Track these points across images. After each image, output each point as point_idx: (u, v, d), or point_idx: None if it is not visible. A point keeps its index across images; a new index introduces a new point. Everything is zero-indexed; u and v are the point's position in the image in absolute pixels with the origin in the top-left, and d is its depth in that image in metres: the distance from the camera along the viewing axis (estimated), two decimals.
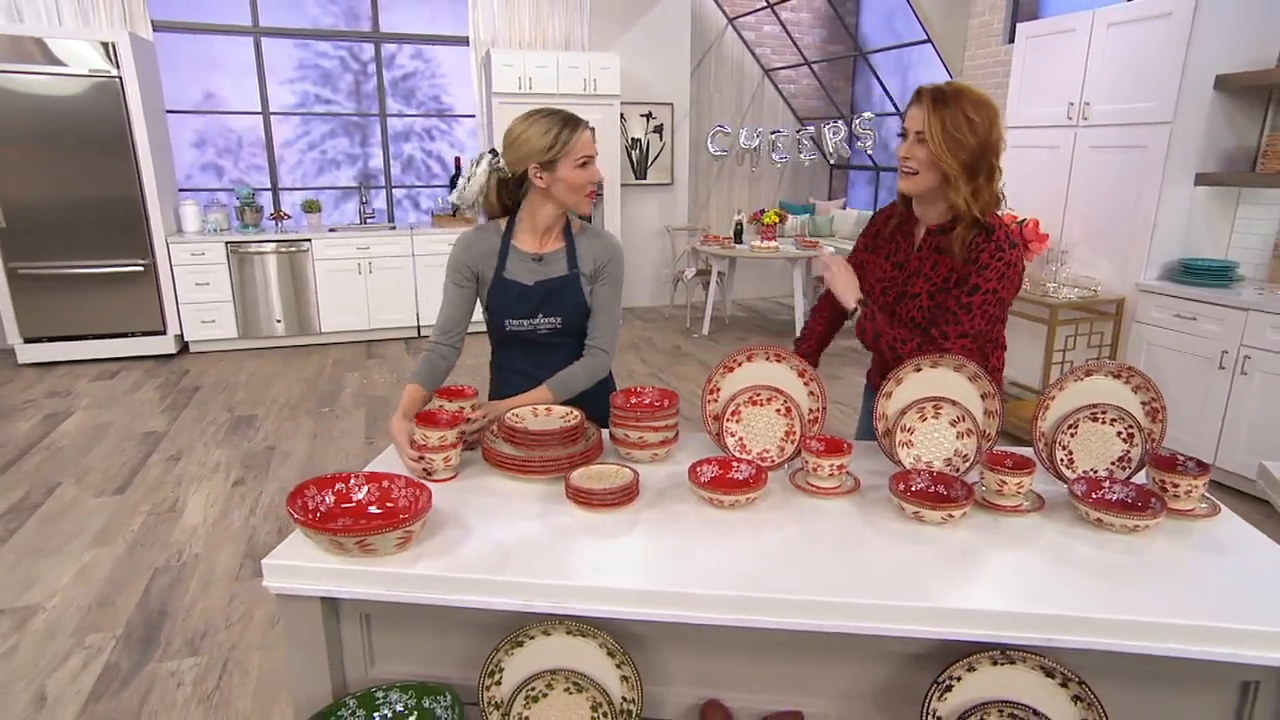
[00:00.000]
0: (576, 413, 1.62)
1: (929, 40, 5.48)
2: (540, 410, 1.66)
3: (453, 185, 6.37)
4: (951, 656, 1.17)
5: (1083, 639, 1.12)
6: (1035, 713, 1.12)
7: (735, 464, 1.50)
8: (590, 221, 1.93)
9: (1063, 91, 4.00)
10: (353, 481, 1.34)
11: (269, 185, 6.47)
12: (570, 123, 1.68)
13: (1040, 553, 1.29)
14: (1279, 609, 1.14)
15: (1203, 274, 3.53)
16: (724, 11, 7.42)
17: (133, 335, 5.57)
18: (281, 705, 2.19)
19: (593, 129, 1.74)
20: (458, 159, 6.43)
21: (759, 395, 1.58)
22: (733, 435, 1.59)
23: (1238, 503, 2.63)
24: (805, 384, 1.60)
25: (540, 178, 1.70)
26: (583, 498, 1.41)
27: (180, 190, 6.09)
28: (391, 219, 6.74)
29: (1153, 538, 1.32)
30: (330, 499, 1.33)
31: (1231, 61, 3.49)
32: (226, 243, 5.60)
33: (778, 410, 1.58)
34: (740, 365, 1.62)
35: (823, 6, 7.45)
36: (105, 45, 5.04)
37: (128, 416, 4.47)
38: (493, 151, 1.76)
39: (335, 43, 6.42)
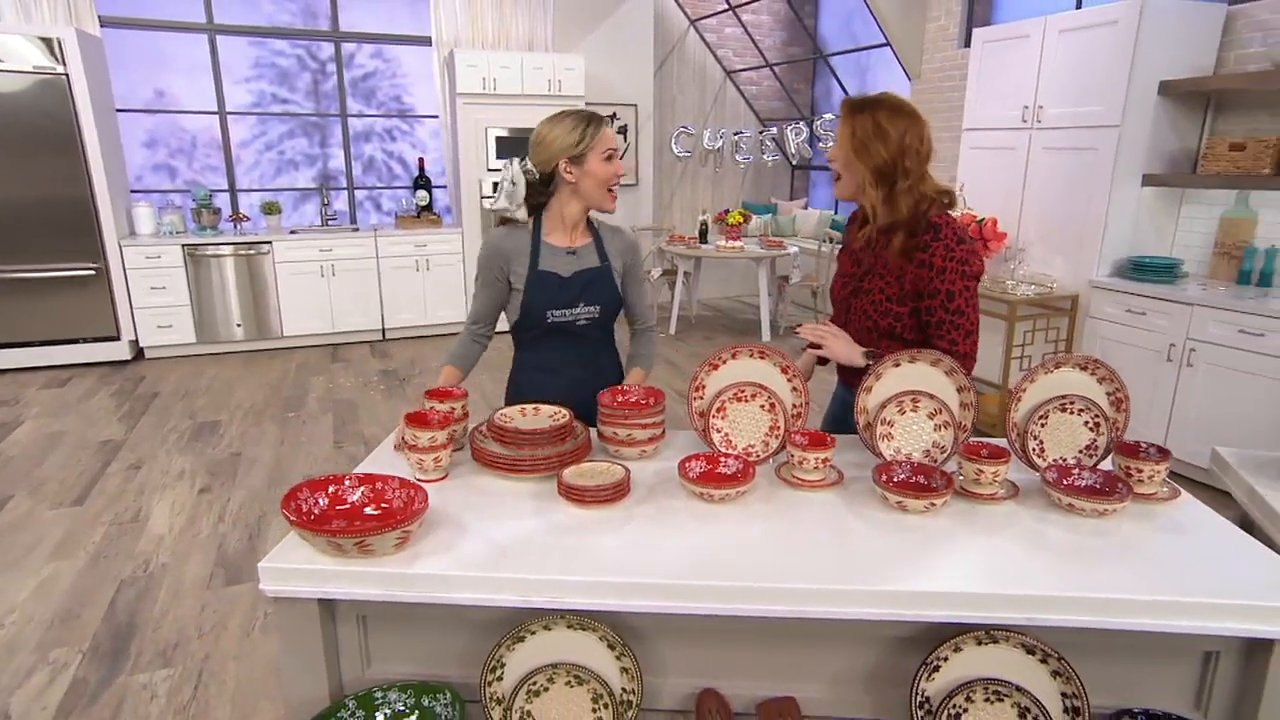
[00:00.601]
0: (565, 411, 1.64)
1: (888, 44, 5.61)
2: (529, 410, 1.68)
3: (416, 186, 6.32)
4: (937, 639, 1.22)
5: (1060, 617, 1.18)
6: (1018, 689, 1.18)
7: (723, 459, 1.54)
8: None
9: (1017, 95, 4.14)
10: (347, 483, 1.34)
11: (226, 186, 6.32)
12: (595, 119, 1.78)
13: (1017, 538, 1.35)
14: (1237, 584, 1.22)
15: (1150, 271, 3.70)
16: (685, 13, 7.49)
17: (84, 341, 5.40)
18: (262, 713, 2.16)
19: (612, 122, 1.81)
20: (421, 160, 6.37)
21: (743, 391, 1.62)
22: (719, 431, 1.63)
23: (1188, 489, 2.76)
24: (788, 380, 1.65)
25: (570, 173, 1.78)
26: (576, 495, 1.43)
27: (132, 191, 5.91)
28: (354, 220, 6.64)
29: (1120, 520, 1.40)
30: (324, 501, 1.32)
31: (1173, 68, 3.66)
32: (183, 245, 5.46)
33: (762, 406, 1.62)
34: (725, 362, 1.65)
35: (783, 9, 7.56)
36: (49, 41, 4.88)
37: (82, 425, 4.33)
38: (522, 158, 1.85)
39: (293, 41, 6.30)
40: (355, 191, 6.72)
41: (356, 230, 6.06)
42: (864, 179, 1.67)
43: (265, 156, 6.71)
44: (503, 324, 1.97)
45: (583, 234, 1.91)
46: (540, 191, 1.86)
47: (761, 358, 1.65)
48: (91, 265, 5.30)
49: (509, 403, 1.97)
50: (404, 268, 6.04)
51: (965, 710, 1.19)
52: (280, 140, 6.73)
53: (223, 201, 6.22)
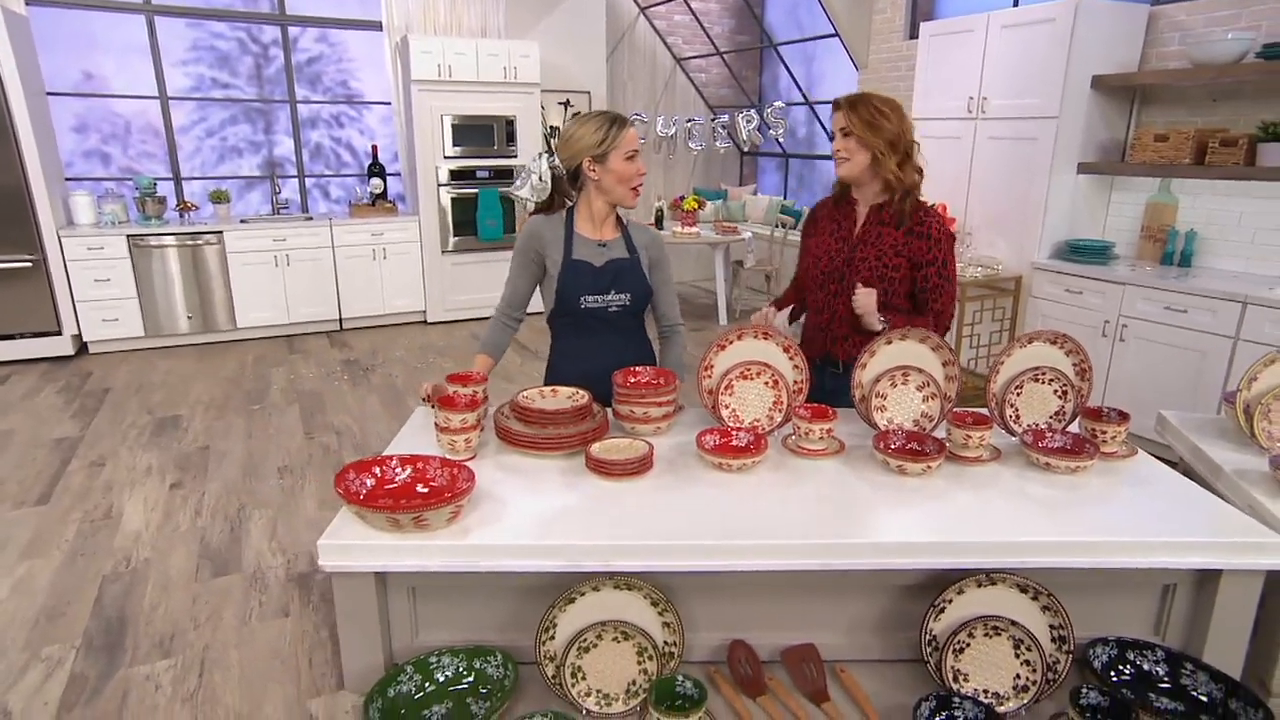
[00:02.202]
0: (583, 393, 1.74)
1: (836, 34, 5.80)
2: (547, 392, 1.77)
3: (370, 174, 6.24)
4: (941, 584, 1.38)
5: (1047, 559, 1.35)
6: (1013, 623, 1.34)
7: (735, 432, 1.66)
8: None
9: (963, 86, 4.37)
10: (393, 464, 1.41)
11: (168, 175, 6.10)
12: (618, 121, 1.87)
13: (1004, 493, 1.51)
14: (1189, 526, 1.41)
15: (1086, 253, 3.98)
16: (635, 0, 7.54)
17: (22, 337, 5.17)
18: (272, 697, 2.19)
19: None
20: (374, 147, 6.28)
21: (749, 370, 1.75)
22: (727, 407, 1.75)
23: None
24: (790, 358, 1.78)
25: (593, 170, 1.87)
26: (604, 468, 1.53)
27: (67, 179, 5.66)
28: (305, 209, 6.51)
29: (1090, 476, 1.58)
30: (370, 482, 1.39)
31: (1104, 64, 3.93)
32: (128, 236, 5.27)
33: (766, 383, 1.75)
34: (731, 343, 1.77)
35: None
36: None
37: (31, 423, 4.18)
38: (547, 151, 1.94)
39: (232, 23, 6.10)
40: (306, 179, 6.58)
41: (310, 219, 5.95)
42: (879, 152, 1.86)
43: (206, 143, 6.49)
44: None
45: (612, 228, 2.01)
46: (565, 189, 1.96)
47: (764, 338, 1.77)
48: (28, 257, 5.07)
49: (550, 382, 2.04)
50: (360, 257, 5.96)
51: (968, 645, 1.35)
52: (222, 126, 6.52)
53: (166, 190, 6.01)
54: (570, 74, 6.88)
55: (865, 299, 1.87)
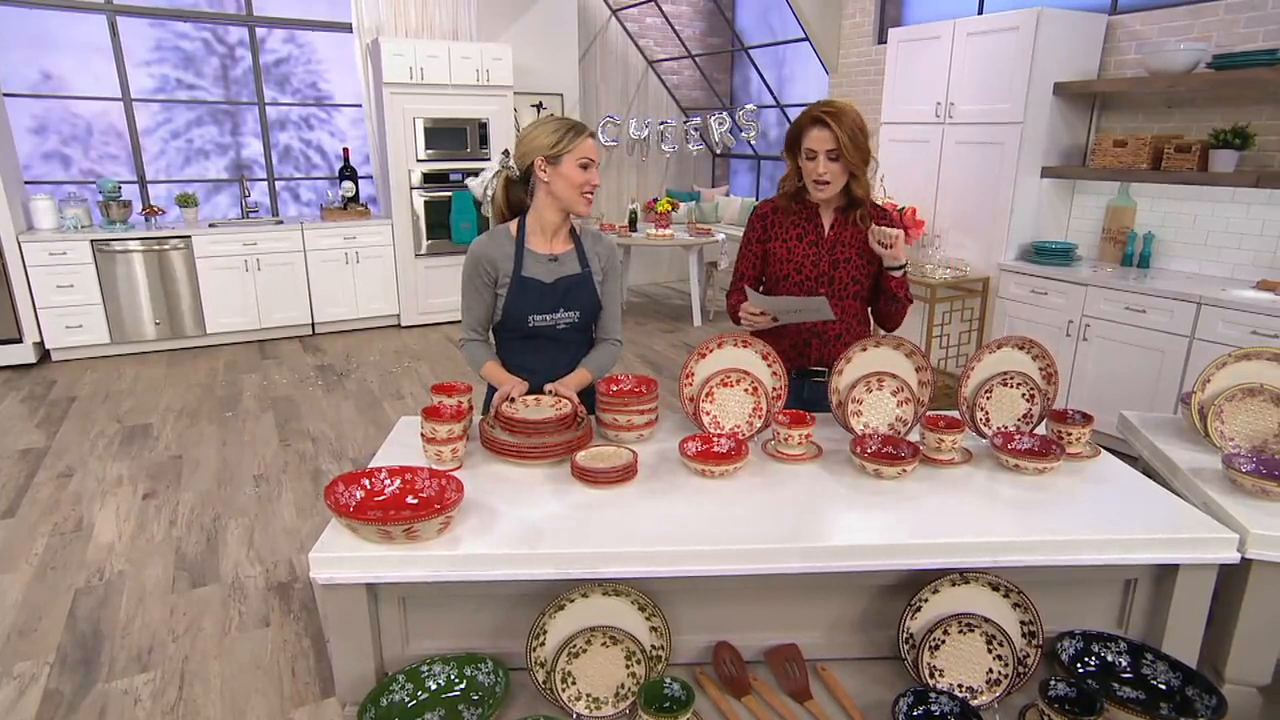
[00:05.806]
0: (566, 401, 1.76)
1: (807, 39, 5.88)
2: (530, 401, 1.79)
3: (341, 177, 6.19)
4: (918, 584, 1.43)
5: (1018, 558, 1.40)
6: (986, 620, 1.39)
7: (716, 439, 1.70)
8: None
9: (931, 91, 4.47)
10: (382, 475, 1.42)
11: (133, 178, 5.99)
12: (577, 127, 1.85)
13: (976, 494, 1.57)
14: (1150, 523, 1.48)
15: (1050, 255, 4.10)
16: (607, 2, 7.56)
17: None
18: (255, 709, 2.19)
19: (594, 136, 1.90)
20: (345, 150, 6.22)
21: (729, 377, 1.79)
22: (708, 414, 1.79)
23: None
24: (769, 365, 1.82)
25: (545, 171, 1.84)
26: (590, 476, 1.55)
27: (26, 183, 5.53)
28: (275, 212, 6.44)
29: (1056, 476, 1.64)
30: (360, 494, 1.40)
31: (1066, 71, 4.05)
32: (92, 241, 5.17)
33: (745, 390, 1.79)
34: (711, 351, 1.81)
35: (701, 0, 7.75)
36: None
37: None
38: (505, 152, 1.93)
39: (197, 24, 6.00)
40: (275, 182, 6.50)
41: (281, 223, 5.89)
42: (857, 170, 1.94)
43: (171, 145, 6.38)
44: None
45: (564, 240, 1.96)
46: (518, 193, 1.94)
47: (744, 346, 1.82)
48: None
49: (488, 399, 2.05)
50: (333, 261, 5.91)
51: (943, 642, 1.40)
52: (188, 128, 6.42)
53: (130, 193, 5.90)
54: (543, 76, 6.88)
55: (895, 234, 1.92)
